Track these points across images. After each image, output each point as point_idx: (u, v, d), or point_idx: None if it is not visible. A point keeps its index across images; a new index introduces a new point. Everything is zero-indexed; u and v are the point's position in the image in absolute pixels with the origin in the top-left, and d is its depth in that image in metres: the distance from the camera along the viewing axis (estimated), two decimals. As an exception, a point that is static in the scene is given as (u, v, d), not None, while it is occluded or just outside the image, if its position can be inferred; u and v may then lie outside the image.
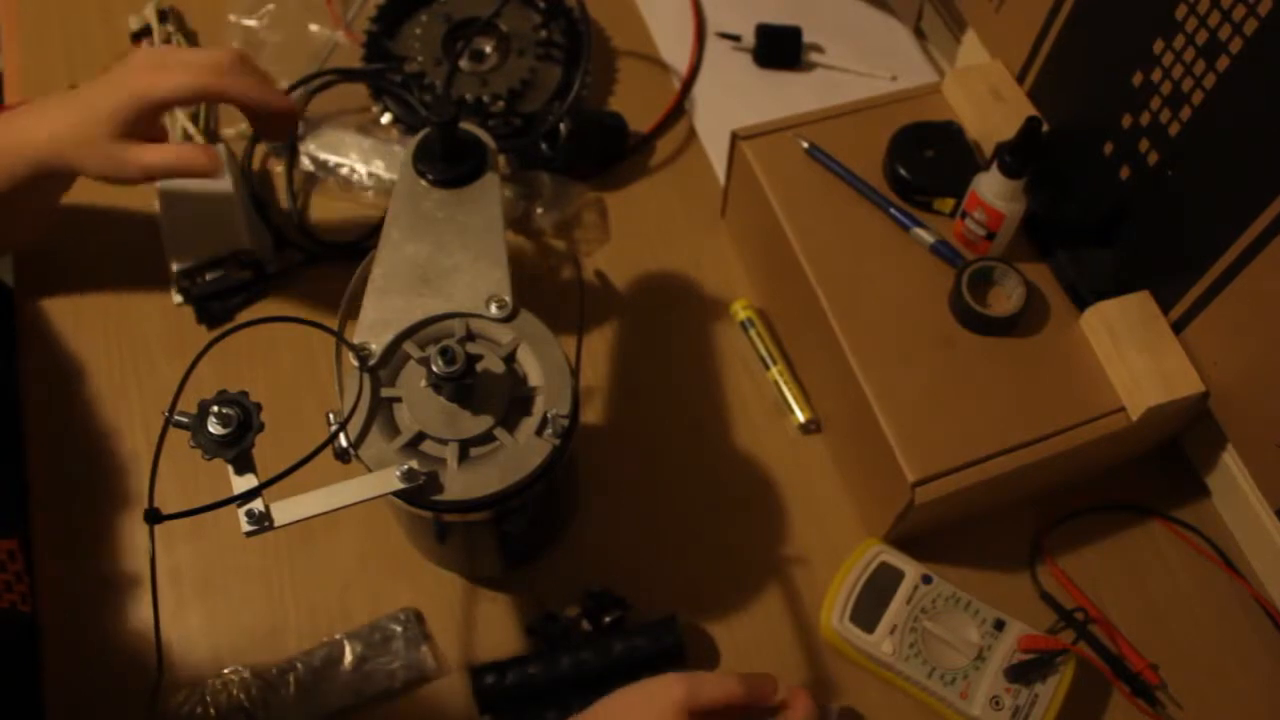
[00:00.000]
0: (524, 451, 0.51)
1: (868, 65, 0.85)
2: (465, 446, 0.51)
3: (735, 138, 0.69)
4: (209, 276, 0.71)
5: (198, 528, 0.64)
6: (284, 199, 0.76)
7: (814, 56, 0.85)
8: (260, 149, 0.77)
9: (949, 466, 0.58)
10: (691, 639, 0.62)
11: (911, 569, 0.62)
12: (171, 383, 0.46)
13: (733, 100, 0.83)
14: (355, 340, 0.53)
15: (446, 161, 0.59)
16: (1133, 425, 0.60)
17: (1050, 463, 0.60)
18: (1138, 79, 0.60)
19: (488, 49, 0.80)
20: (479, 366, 0.52)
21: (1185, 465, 0.69)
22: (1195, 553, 0.67)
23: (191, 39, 0.84)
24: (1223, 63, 0.54)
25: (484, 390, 0.52)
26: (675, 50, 0.86)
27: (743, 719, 0.54)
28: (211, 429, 0.44)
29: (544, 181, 0.76)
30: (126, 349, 0.71)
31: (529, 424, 0.52)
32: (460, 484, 0.50)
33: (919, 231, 0.66)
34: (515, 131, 0.77)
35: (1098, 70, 0.64)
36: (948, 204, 0.66)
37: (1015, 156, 0.59)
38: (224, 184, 0.72)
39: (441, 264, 0.56)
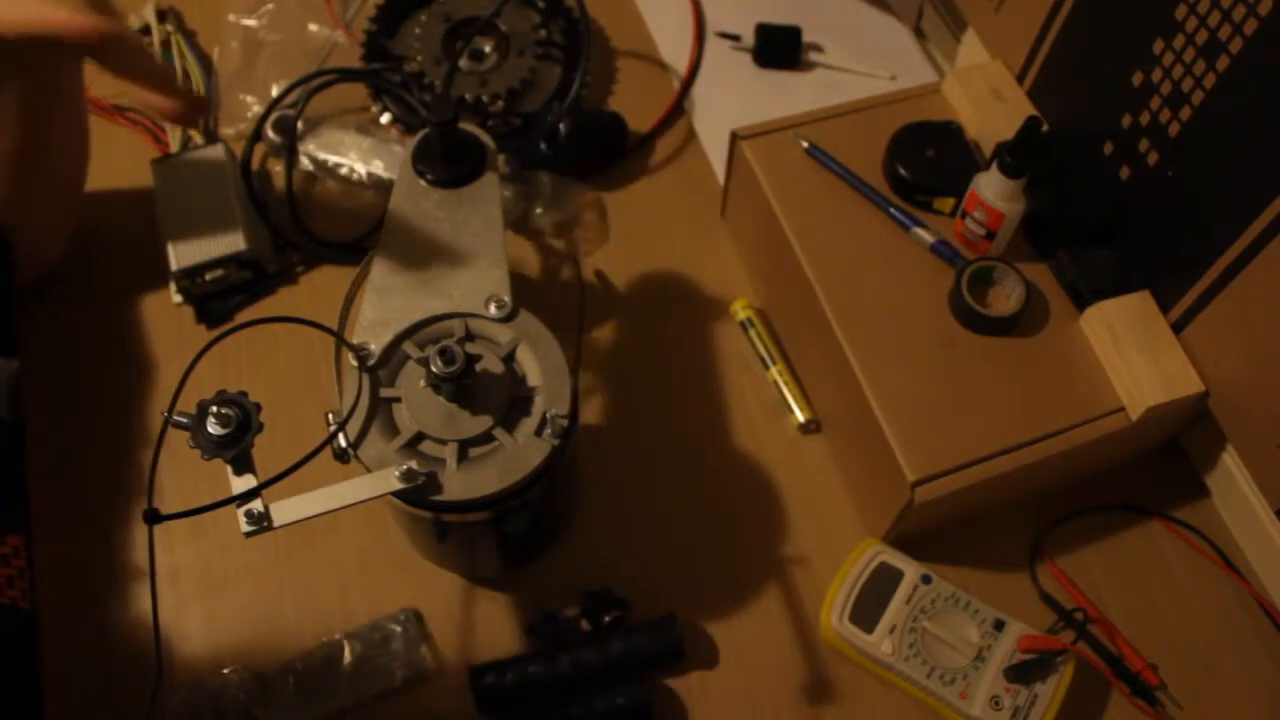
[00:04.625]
0: (523, 452, 0.51)
1: (868, 65, 0.85)
2: (464, 447, 0.51)
3: (735, 137, 0.69)
4: (209, 276, 0.71)
5: (198, 528, 0.64)
6: (284, 199, 0.76)
7: (814, 56, 0.85)
8: (260, 149, 0.77)
9: (949, 466, 0.58)
10: (691, 638, 0.63)
11: (911, 569, 0.62)
12: (171, 383, 0.46)
13: (732, 100, 0.83)
14: (355, 340, 0.53)
15: (446, 161, 0.59)
16: (1133, 425, 0.60)
17: (1050, 463, 0.60)
18: (1138, 79, 0.60)
19: (487, 48, 0.80)
20: (478, 366, 0.52)
21: (1185, 465, 0.69)
22: (1195, 553, 0.67)
23: (191, 38, 0.84)
24: (1223, 63, 0.54)
25: (483, 390, 0.52)
26: (675, 50, 0.86)
27: None
28: (211, 429, 0.44)
29: (544, 181, 0.76)
30: (126, 349, 0.71)
31: (528, 424, 0.52)
32: (459, 484, 0.50)
33: (919, 231, 0.66)
34: (515, 131, 0.77)
35: (1098, 70, 0.64)
36: (948, 204, 0.66)
37: (1015, 156, 0.59)
38: (224, 184, 0.72)
39: (441, 264, 0.56)
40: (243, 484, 0.45)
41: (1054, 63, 0.67)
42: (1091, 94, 0.65)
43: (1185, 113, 0.57)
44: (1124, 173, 0.63)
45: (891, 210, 0.66)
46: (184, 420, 0.44)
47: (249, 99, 0.80)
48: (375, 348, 0.53)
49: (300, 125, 0.76)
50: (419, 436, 0.51)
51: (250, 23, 0.83)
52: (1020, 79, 0.71)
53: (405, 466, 0.49)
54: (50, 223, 0.71)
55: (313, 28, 0.83)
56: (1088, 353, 0.62)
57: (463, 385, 0.50)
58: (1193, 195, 0.58)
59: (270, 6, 0.83)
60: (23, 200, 0.66)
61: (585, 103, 0.81)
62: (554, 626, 0.62)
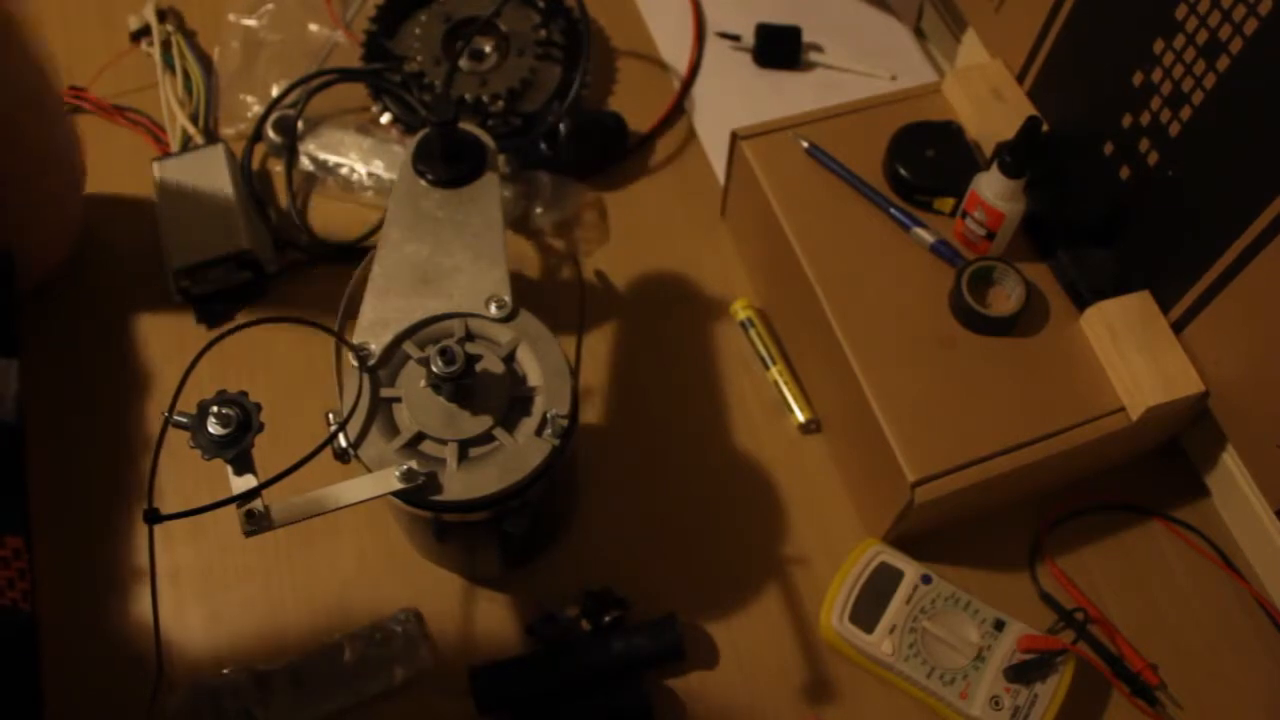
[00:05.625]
0: (523, 452, 0.51)
1: (868, 65, 0.85)
2: (465, 446, 0.51)
3: (735, 137, 0.69)
4: (209, 276, 0.71)
5: (198, 528, 0.64)
6: (284, 199, 0.76)
7: (814, 56, 0.85)
8: (260, 149, 0.77)
9: (949, 466, 0.58)
10: (691, 638, 0.63)
11: (911, 569, 0.62)
12: (171, 383, 0.46)
13: (732, 100, 0.83)
14: (355, 340, 0.53)
15: (446, 161, 0.59)
16: (1133, 425, 0.60)
17: (1050, 463, 0.60)
18: (1138, 79, 0.60)
19: (487, 48, 0.80)
20: (478, 366, 0.52)
21: (1185, 465, 0.69)
22: (1195, 553, 0.67)
23: (191, 38, 0.84)
24: (1223, 63, 0.54)
25: (483, 390, 0.52)
26: (675, 50, 0.86)
27: None
28: (211, 429, 0.44)
29: (544, 181, 0.76)
30: (126, 349, 0.71)
31: (528, 424, 0.52)
32: (459, 484, 0.50)
33: (919, 231, 0.66)
34: (515, 131, 0.77)
35: (1098, 70, 0.64)
36: (948, 204, 0.66)
37: (1015, 156, 0.59)
38: (224, 184, 0.72)
39: (441, 264, 0.56)
40: (243, 484, 0.45)
41: (1054, 63, 0.67)
42: (1091, 94, 0.65)
43: (1185, 113, 0.57)
44: (1124, 173, 0.63)
45: (891, 210, 0.66)
46: (184, 420, 0.44)
47: (249, 99, 0.80)
48: (375, 348, 0.53)
49: (300, 125, 0.76)
50: (419, 436, 0.51)
51: (250, 23, 0.83)
52: (1020, 79, 0.71)
53: (405, 466, 0.49)
54: (50, 226, 0.71)
55: (313, 28, 0.83)
56: (1088, 353, 0.62)
57: (463, 385, 0.50)
58: (1193, 195, 0.58)
59: (270, 6, 0.83)
60: (16, 203, 0.66)
61: (585, 103, 0.81)
62: (554, 626, 0.62)
